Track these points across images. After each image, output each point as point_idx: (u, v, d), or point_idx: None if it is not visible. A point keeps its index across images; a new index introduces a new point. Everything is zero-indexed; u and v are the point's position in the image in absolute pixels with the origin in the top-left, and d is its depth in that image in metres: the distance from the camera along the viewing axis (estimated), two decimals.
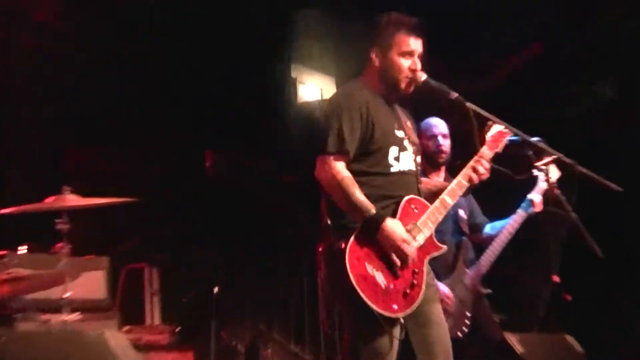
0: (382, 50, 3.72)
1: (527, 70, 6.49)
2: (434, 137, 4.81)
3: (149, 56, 6.61)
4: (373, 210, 3.47)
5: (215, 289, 6.20)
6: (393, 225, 3.49)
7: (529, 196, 4.67)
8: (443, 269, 4.62)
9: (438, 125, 4.85)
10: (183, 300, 6.36)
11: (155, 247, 6.53)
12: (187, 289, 6.46)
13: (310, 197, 3.96)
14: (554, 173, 4.42)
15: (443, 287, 4.57)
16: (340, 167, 3.53)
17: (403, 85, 3.73)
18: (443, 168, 4.83)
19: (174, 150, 6.88)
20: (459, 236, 4.79)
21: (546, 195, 4.48)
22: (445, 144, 4.82)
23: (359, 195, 3.48)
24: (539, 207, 4.64)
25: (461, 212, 4.85)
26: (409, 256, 3.50)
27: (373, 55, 3.74)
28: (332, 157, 3.54)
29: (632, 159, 5.99)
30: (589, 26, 6.16)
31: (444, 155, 4.81)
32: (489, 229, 4.92)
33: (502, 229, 4.72)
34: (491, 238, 4.76)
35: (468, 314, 4.63)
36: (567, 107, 6.33)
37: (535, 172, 4.46)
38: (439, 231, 4.20)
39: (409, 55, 3.70)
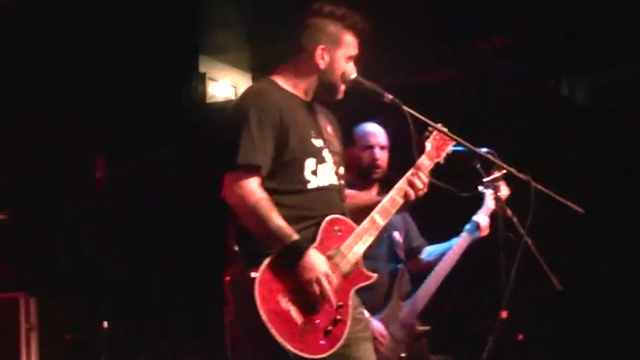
0: (328, 50, 3.58)
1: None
2: (370, 148, 4.67)
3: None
4: (295, 237, 3.34)
5: (105, 324, 6.06)
6: (316, 259, 3.36)
7: (475, 218, 4.63)
8: (375, 302, 4.49)
9: (376, 134, 4.71)
10: (66, 337, 6.23)
11: (33, 273, 6.43)
12: (72, 323, 6.35)
13: (218, 217, 3.78)
14: (504, 190, 4.37)
15: (376, 324, 4.46)
16: (253, 187, 3.39)
17: (340, 92, 3.63)
18: (376, 185, 4.73)
19: (57, 156, 6.78)
20: (395, 264, 4.66)
21: (496, 216, 4.42)
22: (383, 157, 4.70)
23: (277, 220, 3.35)
24: (485, 231, 4.60)
25: (396, 235, 4.72)
26: (329, 295, 3.37)
27: (317, 54, 3.57)
28: (242, 175, 3.39)
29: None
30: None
31: (379, 171, 4.67)
32: (426, 254, 4.88)
33: (442, 256, 4.67)
34: (430, 265, 4.71)
35: (403, 355, 4.56)
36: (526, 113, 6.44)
37: (482, 188, 4.46)
38: (371, 258, 4.11)
39: (351, 59, 3.62)
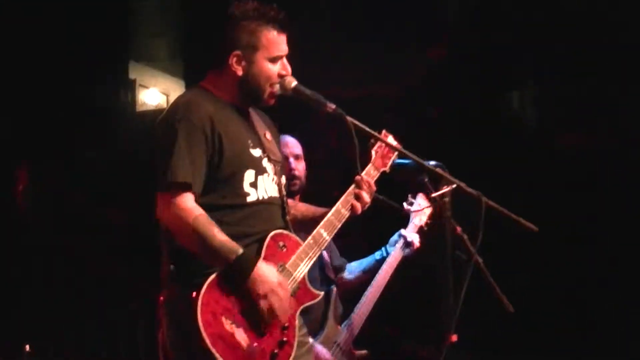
0: (244, 55, 3.50)
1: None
2: (284, 159, 4.63)
3: None
4: (240, 251, 3.29)
5: (27, 347, 6.00)
6: (267, 270, 3.34)
7: (403, 232, 4.68)
8: (311, 327, 4.38)
9: (289, 144, 4.72)
10: None
11: None
12: None
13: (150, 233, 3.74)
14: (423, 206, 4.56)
15: (321, 349, 4.46)
16: (189, 205, 3.33)
17: (266, 97, 3.56)
18: (297, 197, 4.70)
19: None
20: (327, 286, 4.65)
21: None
22: (299, 167, 4.73)
23: (219, 235, 3.29)
24: (416, 247, 4.68)
25: (325, 255, 4.73)
26: (287, 308, 3.37)
27: (232, 62, 3.50)
28: (175, 194, 3.33)
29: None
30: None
31: (297, 182, 4.69)
32: (348, 272, 4.87)
33: (365, 272, 4.71)
34: (354, 284, 4.75)
35: None
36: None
37: (407, 205, 4.59)
38: (310, 280, 4.11)
39: (279, 59, 3.54)
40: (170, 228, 3.35)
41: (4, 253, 6.68)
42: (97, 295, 6.69)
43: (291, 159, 4.67)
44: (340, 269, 4.86)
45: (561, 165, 6.35)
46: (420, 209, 4.62)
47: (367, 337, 4.69)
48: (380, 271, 4.64)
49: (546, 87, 6.66)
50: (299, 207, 3.82)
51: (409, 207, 4.59)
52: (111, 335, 6.68)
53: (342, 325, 4.62)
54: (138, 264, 6.19)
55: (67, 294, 6.68)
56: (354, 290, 4.74)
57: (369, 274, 4.70)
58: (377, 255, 4.73)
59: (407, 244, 4.65)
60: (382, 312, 4.71)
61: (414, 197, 4.64)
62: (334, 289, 4.67)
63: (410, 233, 4.65)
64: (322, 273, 4.67)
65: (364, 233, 4.84)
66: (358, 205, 3.64)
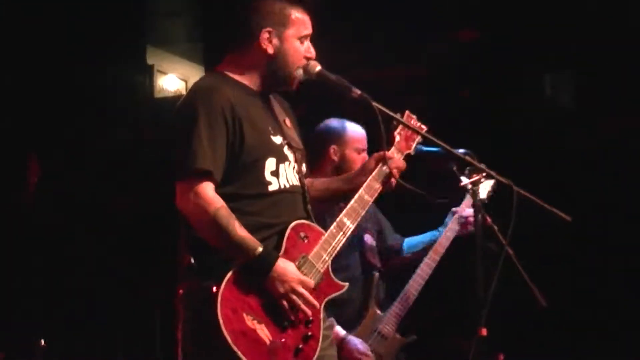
0: (276, 32, 3.49)
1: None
2: (363, 152, 4.63)
3: None
4: (260, 249, 3.29)
5: (42, 342, 5.97)
6: (286, 268, 3.34)
7: (459, 211, 4.64)
8: (350, 316, 4.52)
9: (362, 140, 4.68)
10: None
11: None
12: (5, 342, 6.20)
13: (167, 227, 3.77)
14: (484, 191, 4.35)
15: (355, 342, 4.46)
16: (210, 195, 3.32)
17: (294, 83, 3.55)
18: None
19: None
20: (368, 272, 4.65)
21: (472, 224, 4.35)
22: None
23: (239, 230, 3.29)
24: (470, 226, 4.57)
25: (367, 239, 4.71)
26: (310, 303, 3.36)
27: (264, 38, 3.49)
28: (195, 182, 3.32)
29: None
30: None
31: None
32: (406, 248, 4.85)
33: (424, 250, 4.66)
34: (412, 260, 4.70)
35: None
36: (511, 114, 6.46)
37: (463, 178, 4.38)
38: (346, 267, 4.39)
39: (305, 38, 3.54)
40: (189, 218, 3.35)
41: (16, 247, 6.68)
42: (112, 288, 6.72)
43: (363, 155, 4.63)
44: (395, 248, 4.85)
45: (600, 151, 6.30)
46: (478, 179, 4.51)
47: (413, 322, 4.70)
48: (429, 253, 4.63)
49: (582, 69, 6.61)
50: (315, 185, 3.78)
51: (466, 179, 4.51)
52: (127, 329, 6.71)
53: (385, 312, 4.61)
54: (154, 256, 6.29)
55: (81, 288, 6.71)
56: (407, 267, 4.71)
57: (425, 252, 4.68)
58: (430, 235, 4.72)
59: (462, 222, 4.60)
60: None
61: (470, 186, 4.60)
62: (376, 274, 4.65)
63: (466, 209, 4.60)
64: (362, 258, 4.66)
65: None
66: (389, 185, 3.66)
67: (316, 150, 4.57)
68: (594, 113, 6.46)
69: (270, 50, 3.48)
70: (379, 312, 4.60)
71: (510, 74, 6.52)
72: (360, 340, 4.49)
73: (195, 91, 3.48)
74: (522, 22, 6.42)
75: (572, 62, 6.65)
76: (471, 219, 4.54)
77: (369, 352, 4.47)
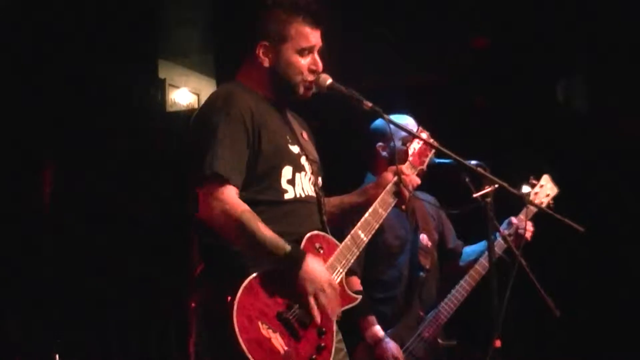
0: (272, 46, 3.51)
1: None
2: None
3: None
4: (289, 247, 3.29)
5: (56, 357, 6.03)
6: (317, 266, 3.35)
7: (516, 222, 4.57)
8: (394, 314, 4.56)
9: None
10: None
11: None
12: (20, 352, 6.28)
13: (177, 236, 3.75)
14: (549, 190, 4.48)
15: (389, 345, 4.46)
16: (234, 199, 3.31)
17: (301, 91, 3.55)
18: None
19: None
20: (417, 271, 4.67)
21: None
22: None
23: (266, 231, 3.29)
24: (527, 235, 4.52)
25: (423, 239, 4.73)
26: (335, 304, 3.36)
27: (259, 52, 3.52)
28: (218, 187, 3.31)
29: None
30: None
31: None
32: (463, 257, 4.87)
33: (476, 260, 4.64)
34: (461, 269, 4.71)
35: None
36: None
37: (525, 187, 4.43)
38: (395, 265, 4.49)
39: (309, 51, 3.54)
40: (213, 224, 3.33)
41: (31, 257, 6.70)
42: (125, 298, 6.70)
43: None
44: (455, 252, 4.88)
45: (616, 155, 6.26)
46: (539, 191, 4.52)
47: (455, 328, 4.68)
48: (479, 261, 4.62)
49: (596, 73, 6.56)
50: (331, 202, 3.78)
51: (528, 188, 4.49)
52: (141, 340, 6.70)
53: (429, 314, 4.62)
54: (166, 263, 6.27)
55: (96, 298, 6.68)
56: (463, 275, 4.68)
57: (474, 264, 4.67)
58: (484, 245, 4.60)
59: (517, 234, 4.52)
60: None
61: (537, 178, 4.59)
62: (423, 275, 4.66)
63: (522, 221, 4.53)
64: (414, 258, 4.68)
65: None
66: (395, 202, 3.67)
67: (366, 152, 4.66)
68: (607, 117, 6.42)
69: (266, 64, 3.52)
70: (422, 313, 4.63)
71: (523, 80, 6.48)
72: (397, 345, 4.48)
73: (215, 98, 3.50)
74: (534, 28, 6.39)
75: (585, 67, 6.62)
76: (520, 231, 4.52)
77: (401, 356, 4.47)
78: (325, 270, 3.37)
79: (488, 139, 5.81)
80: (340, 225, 3.67)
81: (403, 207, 3.80)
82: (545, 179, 4.61)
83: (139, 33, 7.00)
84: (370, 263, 4.47)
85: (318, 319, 3.32)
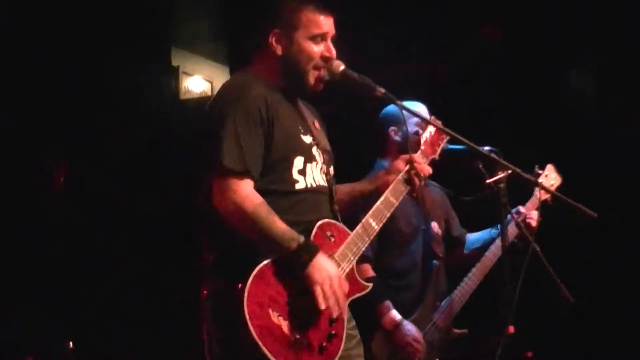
0: (284, 33, 3.52)
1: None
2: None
3: None
4: (302, 239, 3.31)
5: (70, 345, 6.04)
6: (327, 260, 3.36)
7: (524, 210, 4.61)
8: (409, 302, 4.57)
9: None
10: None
11: None
12: (31, 345, 6.26)
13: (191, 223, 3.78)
14: (553, 179, 4.54)
15: (409, 328, 4.49)
16: (249, 191, 3.33)
17: (312, 80, 3.55)
18: None
19: (14, 158, 6.73)
20: (430, 260, 4.69)
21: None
22: None
23: (279, 224, 3.31)
24: (533, 225, 4.52)
25: (434, 227, 4.76)
26: (341, 302, 3.36)
27: (272, 40, 3.52)
28: (233, 180, 3.33)
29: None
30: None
31: None
32: (468, 245, 4.89)
33: (483, 248, 4.67)
34: (472, 258, 4.72)
35: None
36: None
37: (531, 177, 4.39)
38: (408, 253, 4.51)
39: (321, 38, 3.53)
40: (227, 215, 3.34)
41: (42, 248, 6.69)
42: (138, 288, 6.73)
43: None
44: (459, 240, 4.89)
45: (628, 149, 6.24)
46: (545, 180, 4.57)
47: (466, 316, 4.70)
48: (489, 249, 4.63)
49: (609, 63, 6.52)
50: (341, 189, 3.78)
51: (535, 178, 4.45)
52: (154, 330, 6.71)
53: (443, 302, 4.65)
54: (178, 255, 6.29)
55: (108, 289, 6.71)
56: (466, 263, 4.73)
57: (483, 250, 4.69)
58: (493, 232, 4.69)
59: (524, 223, 4.53)
60: None
61: (542, 167, 4.64)
62: (437, 263, 4.69)
63: (530, 210, 4.59)
64: (427, 246, 4.69)
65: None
66: (408, 190, 3.67)
67: (379, 136, 4.67)
68: (618, 107, 6.38)
69: (279, 52, 3.53)
70: (437, 302, 4.64)
71: (533, 70, 6.43)
72: (416, 328, 4.51)
73: (228, 89, 3.52)
74: (545, 17, 6.35)
75: (596, 56, 6.57)
76: (532, 222, 4.54)
77: (421, 340, 4.49)
78: (336, 268, 3.37)
79: (495, 129, 5.76)
80: (350, 213, 3.65)
81: (414, 195, 3.81)
82: (549, 169, 4.65)
83: (153, 22, 6.99)
84: (383, 250, 4.48)
85: (324, 306, 3.31)
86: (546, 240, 4.08)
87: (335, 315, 3.36)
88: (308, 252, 3.30)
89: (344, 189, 3.77)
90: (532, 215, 4.56)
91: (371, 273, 4.30)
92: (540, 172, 4.61)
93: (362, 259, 4.56)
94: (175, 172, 6.35)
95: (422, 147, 3.81)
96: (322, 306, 3.30)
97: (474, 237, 4.88)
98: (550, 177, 4.62)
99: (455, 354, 4.66)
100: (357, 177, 3.93)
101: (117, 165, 6.95)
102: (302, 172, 3.48)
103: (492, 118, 6.24)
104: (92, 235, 6.80)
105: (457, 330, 4.67)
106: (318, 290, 3.30)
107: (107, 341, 6.63)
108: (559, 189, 4.55)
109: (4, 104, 6.66)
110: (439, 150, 3.86)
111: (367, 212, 3.60)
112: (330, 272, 3.32)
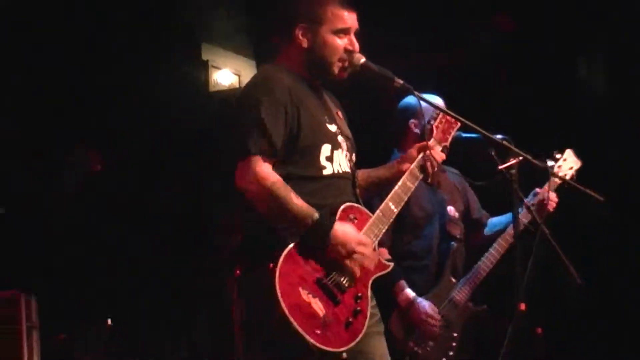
0: (310, 27, 3.60)
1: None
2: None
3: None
4: (316, 215, 3.37)
5: (109, 322, 6.13)
6: (345, 229, 3.42)
7: (541, 192, 4.63)
8: (426, 282, 4.65)
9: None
10: (60, 337, 6.27)
11: (29, 271, 6.41)
12: (70, 323, 6.37)
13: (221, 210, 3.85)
14: (572, 163, 4.54)
15: (422, 304, 4.57)
16: (267, 170, 3.42)
17: (336, 70, 3.63)
18: None
19: (51, 149, 6.81)
20: (447, 242, 4.77)
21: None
22: None
23: (296, 200, 3.38)
24: (551, 206, 4.57)
25: (451, 210, 4.83)
26: (371, 260, 3.46)
27: (298, 34, 3.60)
28: (255, 160, 3.42)
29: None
30: None
31: None
32: (488, 227, 4.94)
33: (503, 230, 4.70)
34: (491, 239, 4.76)
35: (455, 335, 4.65)
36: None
37: (549, 161, 4.44)
38: (422, 236, 4.60)
39: (344, 33, 3.61)
40: (248, 193, 3.42)
41: (78, 228, 6.79)
42: (174, 272, 6.76)
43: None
44: (479, 222, 4.95)
45: (635, 134, 6.24)
46: (563, 164, 4.62)
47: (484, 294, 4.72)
48: (507, 229, 4.65)
49: (617, 51, 6.51)
50: (359, 175, 3.84)
51: (552, 162, 4.56)
52: (188, 311, 6.76)
53: (460, 281, 4.71)
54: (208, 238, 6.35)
55: (147, 271, 6.79)
56: (488, 244, 4.76)
57: (504, 232, 4.72)
58: (511, 216, 4.36)
59: (542, 204, 4.56)
60: None
61: (561, 151, 4.69)
62: (455, 244, 4.75)
63: (546, 192, 4.56)
64: (442, 228, 4.77)
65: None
66: (422, 177, 3.76)
67: (398, 127, 4.75)
68: (627, 96, 6.35)
69: (305, 45, 3.60)
70: (453, 280, 4.70)
71: (543, 57, 6.43)
72: (431, 304, 4.58)
73: (256, 80, 3.61)
74: (555, 5, 6.35)
75: (605, 44, 6.57)
76: (550, 203, 4.56)
77: (437, 315, 4.56)
78: (354, 230, 3.44)
79: (511, 117, 5.75)
80: (365, 198, 3.73)
81: (429, 180, 3.93)
82: (568, 153, 4.68)
83: (184, 20, 6.99)
84: (397, 234, 4.55)
85: (358, 273, 3.41)
86: (561, 225, 4.13)
87: (359, 293, 3.43)
88: (323, 226, 3.36)
89: (361, 175, 3.85)
90: (550, 197, 4.56)
91: (387, 255, 4.33)
92: (559, 156, 4.64)
93: (379, 244, 4.72)
94: (204, 161, 6.39)
95: (434, 135, 3.87)
96: (358, 274, 3.40)
97: (496, 220, 4.90)
98: (569, 162, 4.63)
99: (474, 330, 4.70)
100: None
101: (150, 155, 6.99)
102: (330, 158, 3.56)
103: (504, 107, 6.20)
104: (128, 221, 6.86)
105: (474, 307, 4.74)
106: (348, 263, 3.39)
107: (144, 319, 6.71)
108: (579, 172, 4.61)
109: (41, 98, 6.74)
110: (450, 138, 3.91)
111: (381, 197, 3.68)
112: (352, 240, 3.40)
